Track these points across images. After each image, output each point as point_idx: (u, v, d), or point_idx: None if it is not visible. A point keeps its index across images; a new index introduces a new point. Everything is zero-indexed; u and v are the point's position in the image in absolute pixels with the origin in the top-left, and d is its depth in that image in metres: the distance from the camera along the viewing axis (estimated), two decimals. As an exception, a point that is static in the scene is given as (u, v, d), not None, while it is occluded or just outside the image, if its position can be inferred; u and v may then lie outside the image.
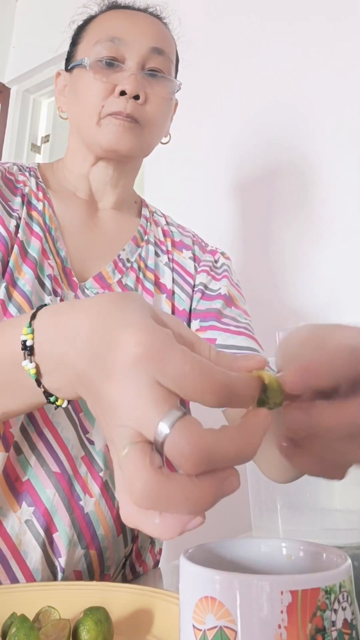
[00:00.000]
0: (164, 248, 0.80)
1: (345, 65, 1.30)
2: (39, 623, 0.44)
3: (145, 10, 0.77)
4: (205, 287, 0.78)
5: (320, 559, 0.30)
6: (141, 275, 0.76)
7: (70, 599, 0.48)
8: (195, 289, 0.78)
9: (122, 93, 0.69)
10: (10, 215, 0.68)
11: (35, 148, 2.32)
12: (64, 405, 0.38)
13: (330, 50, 1.34)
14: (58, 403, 0.38)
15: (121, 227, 0.79)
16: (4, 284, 0.63)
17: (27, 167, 0.78)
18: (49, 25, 2.02)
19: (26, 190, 0.73)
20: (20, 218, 0.69)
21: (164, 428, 0.26)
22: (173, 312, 0.75)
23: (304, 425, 0.31)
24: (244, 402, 0.29)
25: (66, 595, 0.50)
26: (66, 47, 0.80)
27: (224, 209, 1.47)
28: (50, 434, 0.62)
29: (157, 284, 0.76)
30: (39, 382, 0.37)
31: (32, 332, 0.36)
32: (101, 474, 0.64)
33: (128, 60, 0.71)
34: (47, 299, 0.65)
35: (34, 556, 0.60)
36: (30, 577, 0.60)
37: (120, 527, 0.66)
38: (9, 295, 0.63)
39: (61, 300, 0.67)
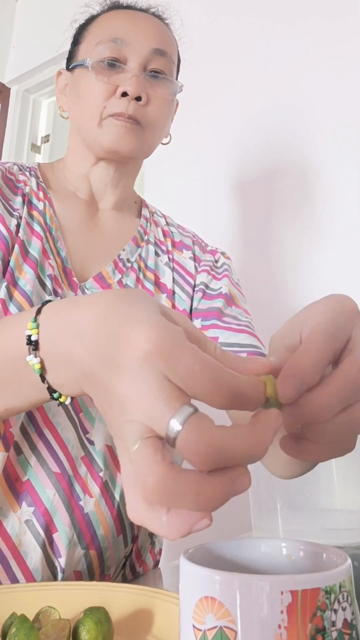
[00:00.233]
0: (164, 248, 0.80)
1: (346, 66, 1.30)
2: (39, 623, 0.44)
3: (147, 11, 0.77)
4: (206, 286, 0.78)
5: (320, 559, 0.30)
6: (141, 275, 0.76)
7: (70, 599, 0.48)
8: (196, 288, 0.78)
9: (124, 94, 0.69)
10: (11, 215, 0.68)
11: (35, 148, 2.32)
12: (67, 402, 0.38)
13: (330, 51, 1.34)
14: (61, 400, 0.38)
15: (121, 227, 0.79)
16: (4, 284, 0.63)
17: (27, 167, 0.78)
18: (49, 25, 2.02)
19: (27, 189, 0.73)
20: (21, 217, 0.69)
21: (175, 425, 0.26)
22: None
23: (297, 417, 0.31)
24: (250, 406, 0.29)
25: (66, 595, 0.50)
26: (67, 47, 0.80)
27: (224, 209, 1.47)
28: (50, 434, 0.62)
29: (157, 283, 0.76)
30: (43, 378, 0.37)
31: (37, 327, 0.36)
32: (101, 474, 0.64)
33: (130, 61, 0.70)
34: (47, 298, 0.65)
35: (34, 556, 0.60)
36: (30, 577, 0.60)
37: (120, 527, 0.66)
38: (10, 295, 0.63)
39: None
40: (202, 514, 0.26)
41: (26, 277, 0.65)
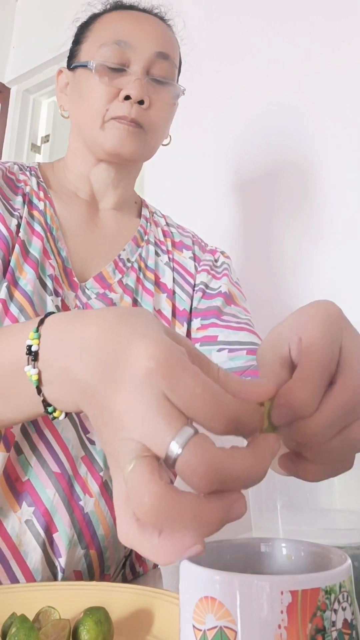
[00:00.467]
0: (164, 248, 0.80)
1: (346, 66, 1.30)
2: (39, 623, 0.44)
3: (150, 12, 0.76)
4: (206, 286, 0.78)
5: (320, 559, 0.30)
6: (141, 275, 0.76)
7: (70, 599, 0.48)
8: (196, 288, 0.78)
9: (127, 97, 0.69)
10: (12, 215, 0.68)
11: (35, 148, 2.32)
12: (61, 417, 0.37)
13: (331, 51, 1.34)
14: (55, 414, 0.37)
15: (121, 227, 0.79)
16: (5, 284, 0.63)
17: (27, 167, 0.78)
18: (49, 25, 2.02)
19: (27, 189, 0.73)
20: (21, 217, 0.69)
21: (175, 447, 0.26)
22: (173, 312, 0.75)
23: (293, 440, 0.31)
24: (248, 433, 0.29)
25: (66, 595, 0.49)
26: (67, 47, 0.80)
27: (224, 210, 1.47)
28: (50, 434, 0.62)
29: (158, 283, 0.76)
30: (39, 390, 0.36)
31: (39, 338, 0.35)
32: (101, 473, 0.64)
33: (133, 64, 0.70)
34: (48, 299, 0.65)
35: (34, 556, 0.60)
36: (30, 577, 0.60)
37: (120, 527, 0.66)
38: (11, 295, 0.63)
39: (62, 300, 0.67)
40: (194, 539, 0.26)
41: (27, 277, 0.65)
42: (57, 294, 0.67)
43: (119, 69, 0.70)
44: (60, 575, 0.61)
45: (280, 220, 1.37)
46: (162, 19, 0.77)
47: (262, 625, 0.24)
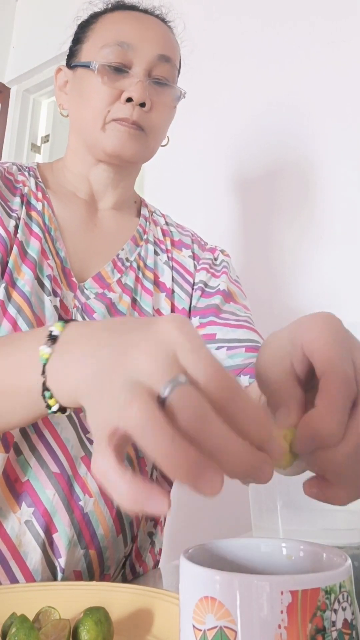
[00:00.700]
0: (163, 247, 0.80)
1: (346, 66, 1.30)
2: (39, 623, 0.44)
3: (152, 13, 0.76)
4: (205, 284, 0.78)
5: (320, 559, 0.30)
6: (140, 275, 0.76)
7: (70, 599, 0.48)
8: (195, 287, 0.78)
9: (129, 99, 0.69)
10: (10, 216, 0.68)
11: (35, 148, 2.32)
12: (55, 408, 0.37)
13: (331, 51, 1.34)
14: (50, 402, 0.37)
15: (120, 226, 0.79)
16: (3, 285, 0.64)
17: (26, 167, 0.78)
18: (49, 25, 2.02)
19: (25, 190, 0.73)
20: (19, 218, 0.69)
21: (168, 389, 0.27)
22: (172, 311, 0.75)
23: (315, 465, 0.31)
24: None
25: (66, 595, 0.49)
26: (67, 46, 0.79)
27: (224, 210, 1.47)
28: (50, 434, 0.62)
29: (157, 282, 0.76)
30: (44, 371, 0.36)
31: (64, 327, 0.37)
32: (101, 473, 0.64)
33: (135, 66, 0.70)
34: (46, 299, 0.66)
35: (33, 557, 0.60)
36: (30, 578, 0.60)
37: (120, 527, 0.66)
38: (9, 296, 0.63)
39: (60, 300, 0.67)
40: (163, 493, 0.26)
41: (25, 278, 0.65)
42: (55, 294, 0.67)
43: (121, 71, 0.70)
44: (60, 575, 0.61)
45: (280, 220, 1.37)
46: (163, 20, 0.77)
47: (262, 625, 0.24)
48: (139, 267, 0.76)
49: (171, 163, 1.54)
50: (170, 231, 0.84)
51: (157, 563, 0.77)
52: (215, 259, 0.82)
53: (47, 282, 0.67)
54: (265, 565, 0.31)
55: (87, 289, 0.70)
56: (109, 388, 0.29)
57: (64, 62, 0.80)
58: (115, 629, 0.44)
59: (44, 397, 0.37)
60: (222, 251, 0.84)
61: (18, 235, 0.67)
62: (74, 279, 0.70)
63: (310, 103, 1.35)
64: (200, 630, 0.25)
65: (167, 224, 0.85)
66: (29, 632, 0.39)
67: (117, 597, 0.48)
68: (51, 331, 0.37)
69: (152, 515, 0.27)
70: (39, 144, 2.34)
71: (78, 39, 0.77)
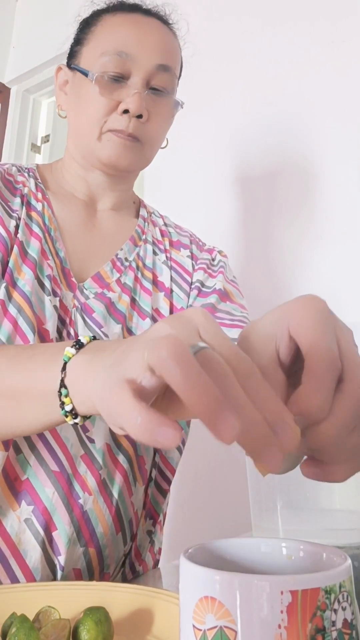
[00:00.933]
0: (161, 247, 0.81)
1: (346, 66, 1.30)
2: (39, 623, 0.44)
3: (155, 14, 0.75)
4: (202, 284, 0.78)
5: (320, 559, 0.30)
6: (139, 274, 0.76)
7: (70, 599, 0.48)
8: (192, 286, 0.78)
9: (126, 111, 0.69)
10: (10, 216, 0.69)
11: (35, 148, 2.32)
12: (68, 408, 0.39)
13: (331, 51, 1.34)
14: (65, 401, 0.39)
15: (119, 227, 0.79)
16: (3, 285, 0.64)
17: (26, 168, 0.78)
18: (49, 25, 2.02)
19: (25, 190, 0.73)
20: (19, 218, 0.69)
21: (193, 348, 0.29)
22: (171, 310, 0.76)
23: (306, 445, 0.31)
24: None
25: (66, 595, 0.50)
26: (67, 47, 0.79)
27: (223, 210, 1.47)
28: (49, 433, 0.63)
29: (155, 282, 0.77)
30: (64, 368, 0.39)
31: (92, 339, 0.41)
32: (100, 471, 0.64)
33: (134, 76, 0.70)
34: (46, 299, 0.66)
35: (33, 555, 0.60)
36: (30, 576, 0.60)
37: (119, 525, 0.66)
38: (9, 296, 0.63)
39: (60, 300, 0.67)
40: (175, 424, 0.26)
41: (25, 278, 0.65)
42: (55, 294, 0.67)
43: (119, 80, 0.70)
44: (59, 573, 0.61)
45: (280, 220, 1.37)
46: (166, 22, 0.76)
47: (262, 625, 0.24)
48: (137, 266, 0.76)
49: (171, 163, 1.54)
50: (169, 232, 0.84)
51: (156, 562, 0.77)
52: (213, 259, 0.82)
53: (47, 282, 0.67)
54: (265, 565, 0.31)
55: (86, 289, 0.70)
56: (130, 349, 0.32)
57: (64, 62, 0.80)
58: (115, 628, 0.44)
59: (60, 395, 0.38)
60: (219, 252, 0.84)
61: (18, 236, 0.67)
62: (73, 279, 0.70)
63: (310, 103, 1.35)
64: (200, 630, 0.25)
65: (165, 224, 0.85)
66: (29, 632, 0.39)
67: (117, 597, 0.48)
68: (79, 339, 0.40)
69: (162, 446, 0.27)
70: (39, 144, 2.34)
71: (79, 40, 0.76)
